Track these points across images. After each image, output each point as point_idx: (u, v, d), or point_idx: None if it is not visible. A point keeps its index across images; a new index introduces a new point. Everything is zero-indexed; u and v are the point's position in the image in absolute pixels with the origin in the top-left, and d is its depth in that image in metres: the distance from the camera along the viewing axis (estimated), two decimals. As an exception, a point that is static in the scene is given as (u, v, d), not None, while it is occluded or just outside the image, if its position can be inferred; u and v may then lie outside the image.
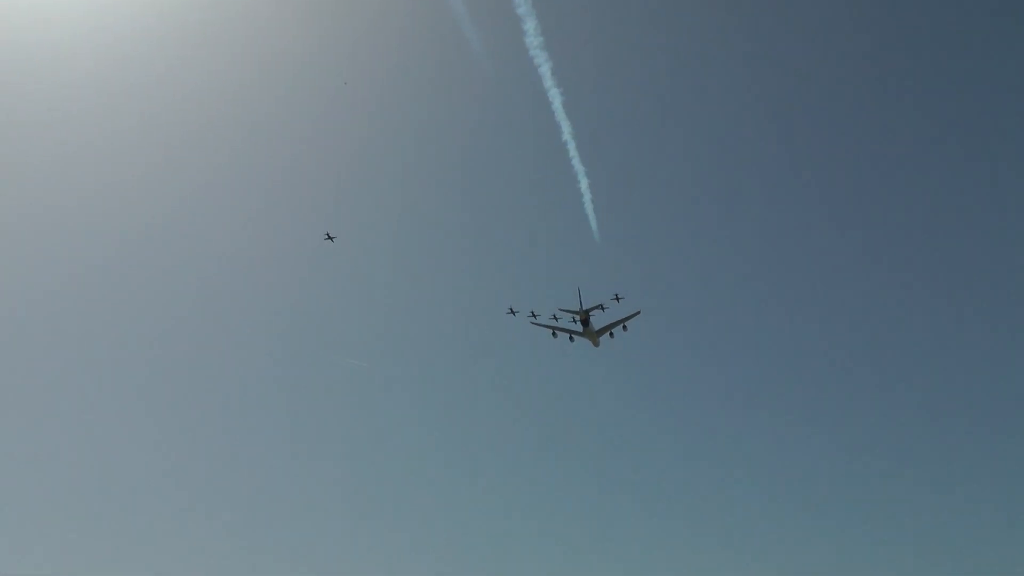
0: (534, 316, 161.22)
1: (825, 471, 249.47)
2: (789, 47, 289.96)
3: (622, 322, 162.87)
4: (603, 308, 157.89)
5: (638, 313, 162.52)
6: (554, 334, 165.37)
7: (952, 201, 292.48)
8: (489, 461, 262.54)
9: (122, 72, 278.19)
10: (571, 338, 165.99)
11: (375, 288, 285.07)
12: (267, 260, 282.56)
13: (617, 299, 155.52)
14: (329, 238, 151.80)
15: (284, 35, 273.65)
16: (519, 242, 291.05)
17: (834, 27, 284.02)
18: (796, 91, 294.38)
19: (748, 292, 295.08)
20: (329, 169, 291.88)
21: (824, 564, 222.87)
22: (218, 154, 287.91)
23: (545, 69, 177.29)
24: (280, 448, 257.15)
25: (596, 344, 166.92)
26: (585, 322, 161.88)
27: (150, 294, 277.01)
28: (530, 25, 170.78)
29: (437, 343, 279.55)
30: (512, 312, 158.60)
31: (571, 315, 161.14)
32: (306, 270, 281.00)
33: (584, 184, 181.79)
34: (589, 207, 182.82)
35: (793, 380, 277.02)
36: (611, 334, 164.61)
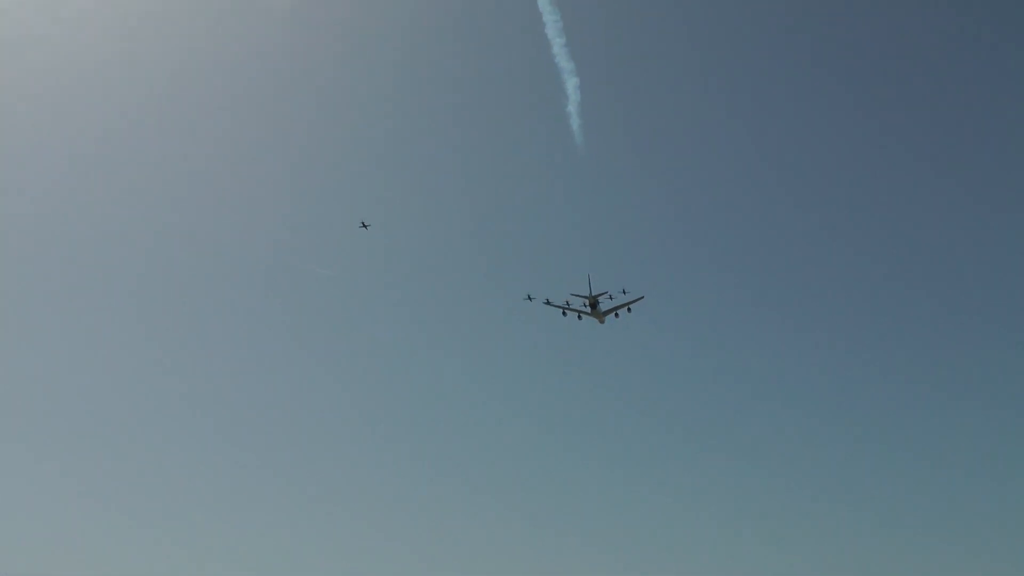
0: (548, 302, 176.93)
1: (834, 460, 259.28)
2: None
3: (627, 305, 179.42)
4: (611, 297, 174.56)
5: (642, 298, 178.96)
6: (564, 313, 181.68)
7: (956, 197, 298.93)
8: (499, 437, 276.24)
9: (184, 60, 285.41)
10: (579, 317, 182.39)
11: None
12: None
13: (624, 292, 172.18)
14: (364, 226, 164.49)
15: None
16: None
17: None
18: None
19: (751, 221, 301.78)
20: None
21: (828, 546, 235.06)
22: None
23: None
24: (302, 455, 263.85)
25: (602, 322, 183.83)
26: (594, 305, 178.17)
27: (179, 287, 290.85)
28: None
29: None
30: (529, 298, 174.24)
31: (582, 299, 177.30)
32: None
33: (572, 85, 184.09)
34: (575, 110, 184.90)
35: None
36: (616, 314, 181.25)
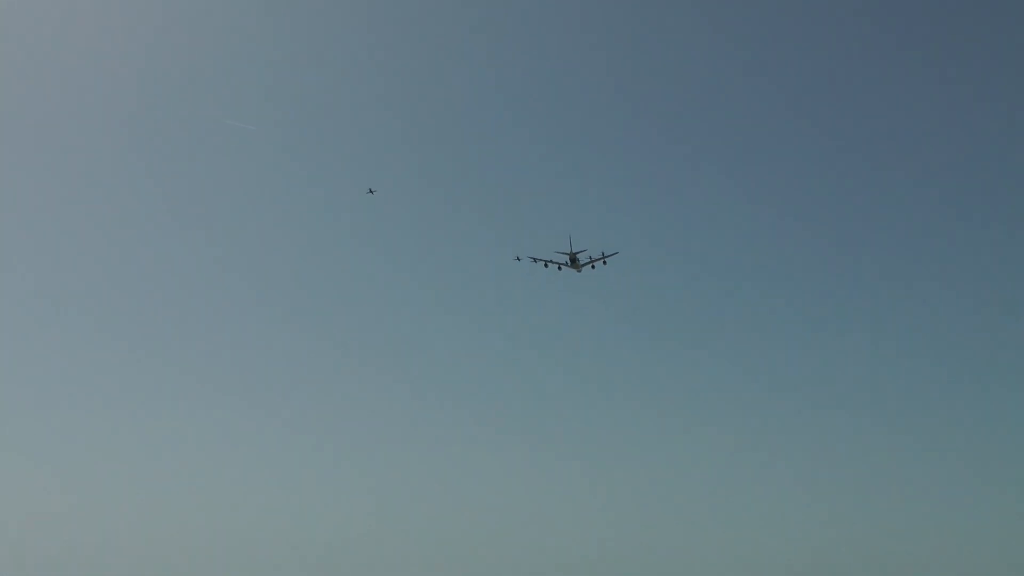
0: (533, 260, 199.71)
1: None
2: None
3: (603, 259, 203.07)
4: (591, 257, 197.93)
5: (616, 253, 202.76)
6: (546, 265, 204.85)
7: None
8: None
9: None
10: (559, 268, 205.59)
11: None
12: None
13: (603, 255, 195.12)
14: (371, 192, 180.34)
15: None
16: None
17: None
18: None
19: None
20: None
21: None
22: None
23: None
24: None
25: (579, 271, 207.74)
26: (573, 259, 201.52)
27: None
28: None
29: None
30: (518, 259, 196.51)
31: (564, 255, 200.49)
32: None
33: None
34: None
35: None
36: (592, 266, 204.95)
